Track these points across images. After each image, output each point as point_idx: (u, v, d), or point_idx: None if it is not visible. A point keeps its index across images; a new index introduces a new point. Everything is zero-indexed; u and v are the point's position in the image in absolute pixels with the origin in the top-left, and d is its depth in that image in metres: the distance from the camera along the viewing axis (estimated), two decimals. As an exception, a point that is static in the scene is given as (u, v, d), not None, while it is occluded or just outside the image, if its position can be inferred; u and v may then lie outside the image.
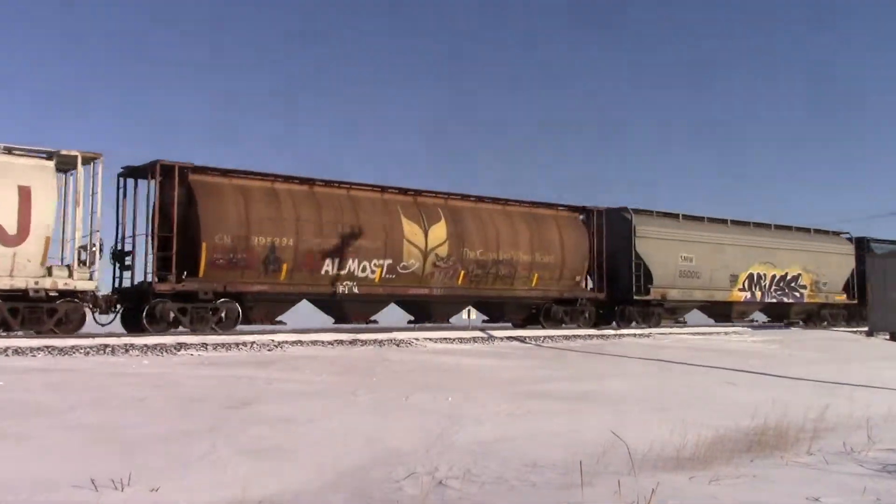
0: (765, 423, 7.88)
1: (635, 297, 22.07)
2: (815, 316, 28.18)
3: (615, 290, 22.11)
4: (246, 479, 5.55)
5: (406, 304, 18.96)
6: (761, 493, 5.59)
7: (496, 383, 10.81)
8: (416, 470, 6.09)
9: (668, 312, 23.69)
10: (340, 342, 14.71)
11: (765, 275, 25.99)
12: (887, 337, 23.01)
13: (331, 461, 6.35)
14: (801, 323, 28.02)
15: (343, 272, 16.91)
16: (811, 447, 7.33)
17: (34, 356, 11.24)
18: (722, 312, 25.69)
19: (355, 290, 17.04)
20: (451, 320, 19.76)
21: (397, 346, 14.87)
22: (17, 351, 11.46)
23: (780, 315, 27.92)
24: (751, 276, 25.56)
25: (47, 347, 11.83)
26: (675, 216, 24.23)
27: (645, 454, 6.72)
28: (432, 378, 10.91)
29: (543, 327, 20.11)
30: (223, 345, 13.25)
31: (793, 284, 26.93)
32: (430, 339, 15.91)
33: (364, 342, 14.86)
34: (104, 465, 5.72)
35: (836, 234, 29.60)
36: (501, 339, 17.16)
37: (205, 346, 13.08)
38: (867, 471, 6.48)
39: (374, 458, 6.50)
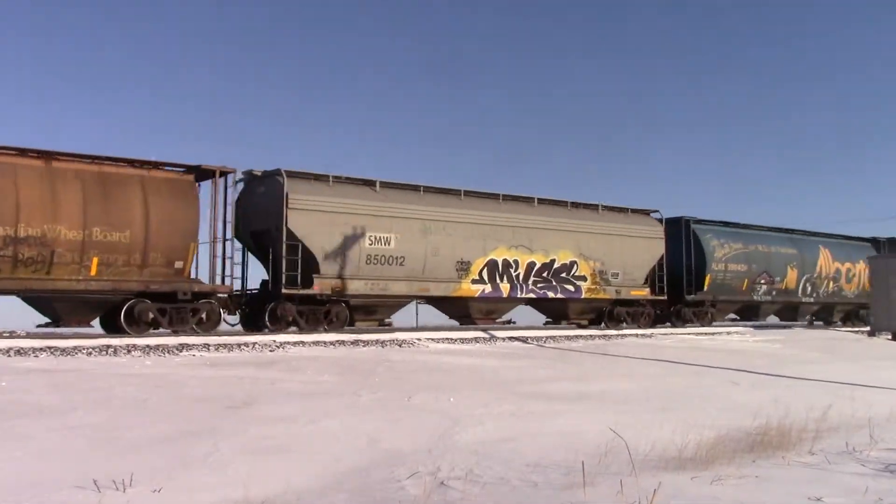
0: (767, 423, 7.87)
1: (285, 291, 16.15)
2: (608, 315, 22.02)
3: (271, 281, 16.68)
4: (248, 480, 5.56)
5: None
6: (763, 494, 5.59)
7: (498, 383, 10.81)
8: (418, 470, 6.09)
9: (363, 313, 17.63)
10: (342, 343, 14.75)
11: (517, 262, 19.51)
12: (889, 337, 22.99)
13: (333, 461, 6.36)
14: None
15: None
16: (813, 447, 7.32)
17: (36, 357, 11.27)
18: (457, 312, 19.60)
19: None
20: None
21: (399, 346, 14.91)
22: (20, 351, 11.50)
23: (557, 314, 21.61)
24: (492, 265, 19.09)
25: (50, 348, 11.87)
26: (371, 183, 17.89)
27: (647, 454, 6.72)
28: (434, 378, 10.91)
29: (128, 333, 14.52)
30: (225, 345, 13.33)
31: (564, 275, 20.45)
32: (433, 340, 15.99)
33: (366, 342, 14.89)
34: (106, 466, 5.73)
35: (641, 212, 23.22)
36: (503, 339, 17.22)
37: (207, 346, 13.16)
38: (869, 471, 6.47)
39: (376, 459, 6.51)
